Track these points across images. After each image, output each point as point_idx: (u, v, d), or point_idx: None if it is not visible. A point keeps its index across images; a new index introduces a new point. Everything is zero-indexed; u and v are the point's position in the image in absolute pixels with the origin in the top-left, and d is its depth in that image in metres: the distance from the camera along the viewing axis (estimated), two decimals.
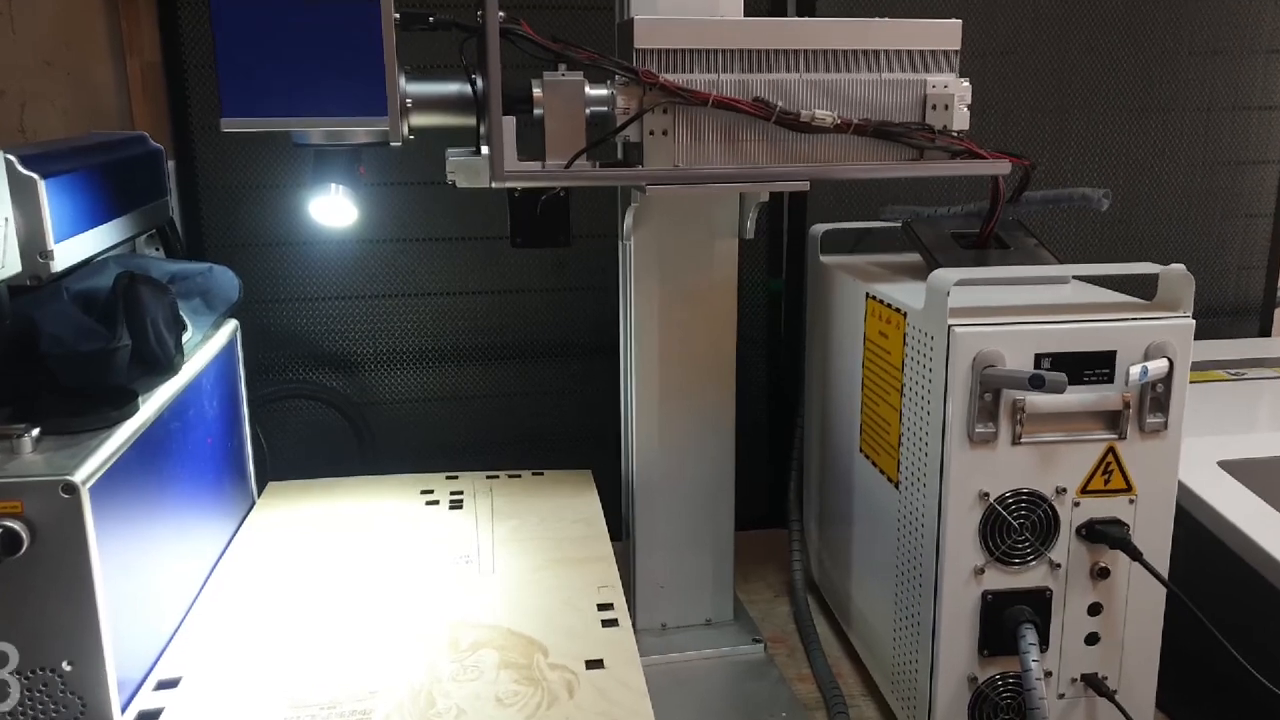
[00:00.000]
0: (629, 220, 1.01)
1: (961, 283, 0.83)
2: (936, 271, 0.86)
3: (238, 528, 1.05)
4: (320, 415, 1.32)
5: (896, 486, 0.95)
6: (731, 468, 1.13)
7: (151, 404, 0.82)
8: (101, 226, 0.91)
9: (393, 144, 0.84)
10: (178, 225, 1.21)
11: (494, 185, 0.86)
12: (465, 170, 0.88)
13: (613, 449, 1.24)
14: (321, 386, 1.31)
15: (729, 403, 1.11)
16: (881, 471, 0.99)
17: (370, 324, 1.31)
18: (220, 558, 0.97)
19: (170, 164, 1.19)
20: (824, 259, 1.16)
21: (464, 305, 1.32)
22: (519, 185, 0.91)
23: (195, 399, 0.93)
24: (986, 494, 0.85)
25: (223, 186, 1.26)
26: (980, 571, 0.86)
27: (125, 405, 0.78)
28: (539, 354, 1.35)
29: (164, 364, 0.86)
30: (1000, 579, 0.87)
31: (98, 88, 1.24)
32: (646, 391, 1.09)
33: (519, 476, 1.21)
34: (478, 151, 0.89)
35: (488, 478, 1.20)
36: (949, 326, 0.83)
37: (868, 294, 1.01)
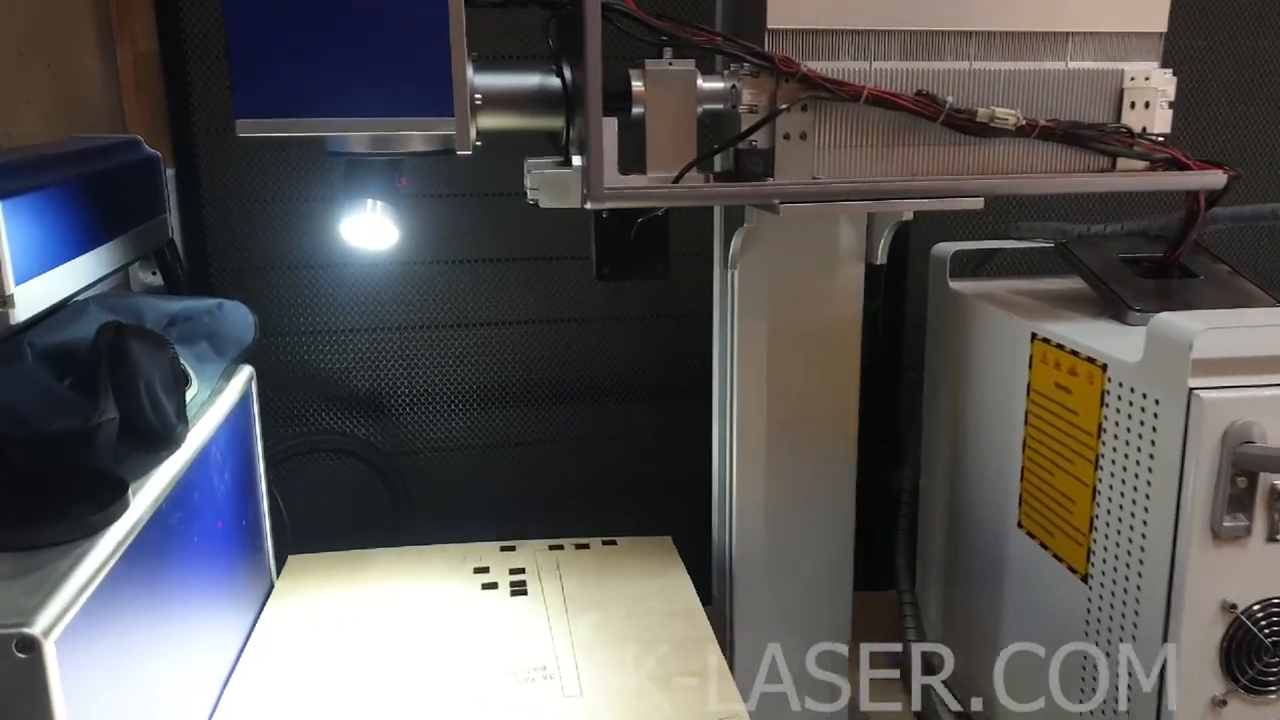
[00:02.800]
0: (737, 244, 0.81)
1: (1212, 330, 0.64)
2: (1166, 316, 0.66)
3: (255, 620, 0.85)
4: (345, 468, 1.13)
5: (1085, 580, 0.76)
6: (850, 541, 0.94)
7: (146, 494, 0.62)
8: (80, 259, 0.72)
9: (460, 153, 0.65)
10: (178, 246, 1.02)
11: (589, 207, 0.66)
12: (552, 187, 0.68)
13: (693, 507, 1.04)
14: (348, 437, 1.12)
15: (849, 463, 0.91)
16: (1057, 557, 0.80)
17: (404, 360, 1.11)
18: (234, 667, 0.78)
19: (169, 173, 0.99)
20: (955, 285, 0.97)
21: (512, 337, 1.12)
22: (619, 206, 0.71)
23: (203, 476, 0.73)
24: (1233, 605, 0.66)
25: (231, 199, 1.06)
26: (1220, 703, 0.67)
27: (110, 503, 0.59)
28: (600, 394, 1.15)
29: (162, 437, 0.67)
30: (1246, 713, 0.67)
31: (82, 82, 1.04)
32: (750, 448, 0.89)
33: (587, 547, 1.01)
34: (566, 162, 0.69)
35: (550, 548, 1.00)
36: (1190, 390, 0.63)
37: (1035, 335, 0.81)
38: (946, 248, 0.99)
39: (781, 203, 0.69)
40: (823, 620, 0.95)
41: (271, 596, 0.90)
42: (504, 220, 1.08)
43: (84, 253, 0.72)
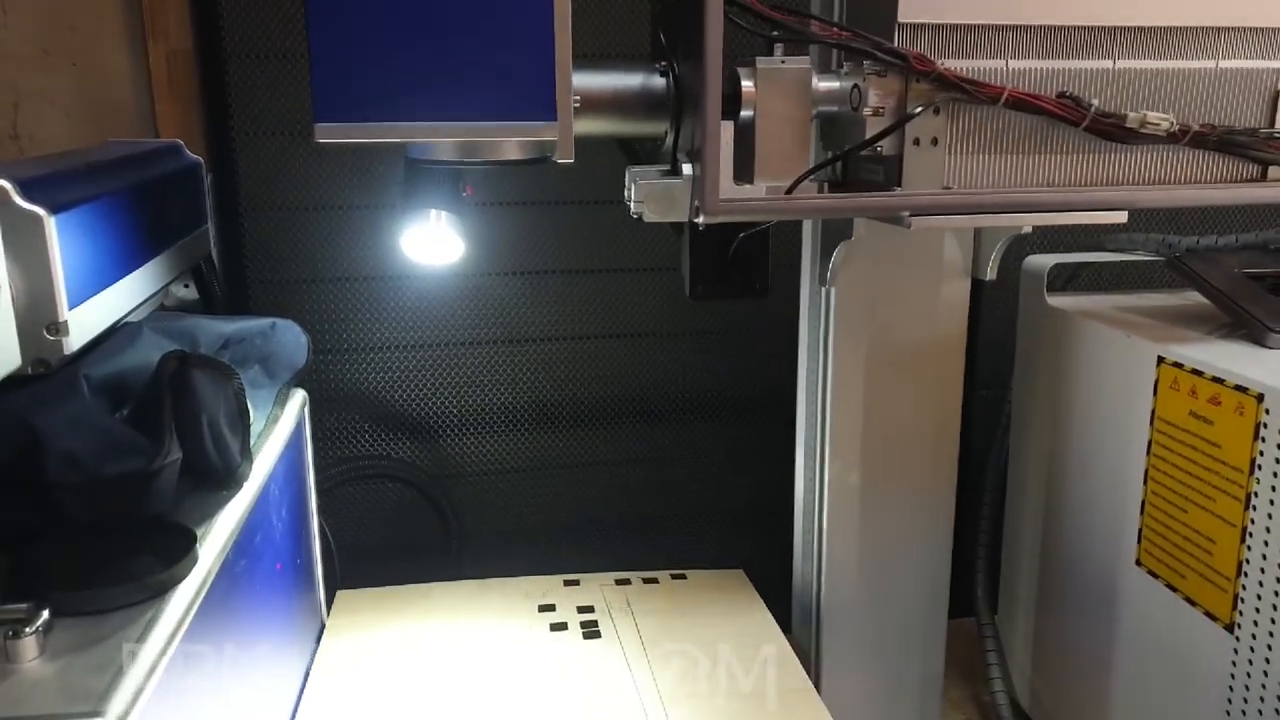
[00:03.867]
0: (839, 258, 0.75)
1: None
2: None
3: (310, 664, 0.78)
4: (392, 493, 1.06)
5: (1231, 631, 0.69)
6: (946, 582, 0.87)
7: (213, 542, 0.56)
8: (129, 277, 0.65)
9: (560, 161, 0.58)
10: (214, 259, 0.94)
11: (702, 221, 0.60)
12: (659, 200, 0.62)
13: (758, 535, 0.98)
14: (396, 461, 1.05)
15: (949, 494, 0.85)
16: (1192, 602, 0.73)
17: (455, 378, 1.04)
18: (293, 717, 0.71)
19: (207, 179, 0.93)
20: (1053, 301, 0.90)
21: (572, 353, 1.06)
22: (732, 219, 0.64)
23: (264, 517, 0.66)
24: None
25: (270, 208, 0.99)
26: None
27: (179, 556, 0.52)
28: (662, 414, 1.08)
29: (225, 477, 0.60)
30: None
31: (110, 82, 0.97)
32: (843, 476, 0.83)
33: (656, 581, 0.94)
34: (673, 172, 0.62)
35: (617, 583, 0.94)
36: None
37: (1162, 358, 0.75)
38: (1042, 260, 0.92)
39: (912, 215, 0.62)
40: (915, 657, 0.88)
41: (324, 636, 0.84)
42: (564, 229, 1.02)
43: (133, 270, 0.65)
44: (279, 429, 0.73)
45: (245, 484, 0.62)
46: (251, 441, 0.67)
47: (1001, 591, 1.03)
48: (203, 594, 0.52)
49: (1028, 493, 0.96)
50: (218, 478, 0.59)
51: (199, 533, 0.55)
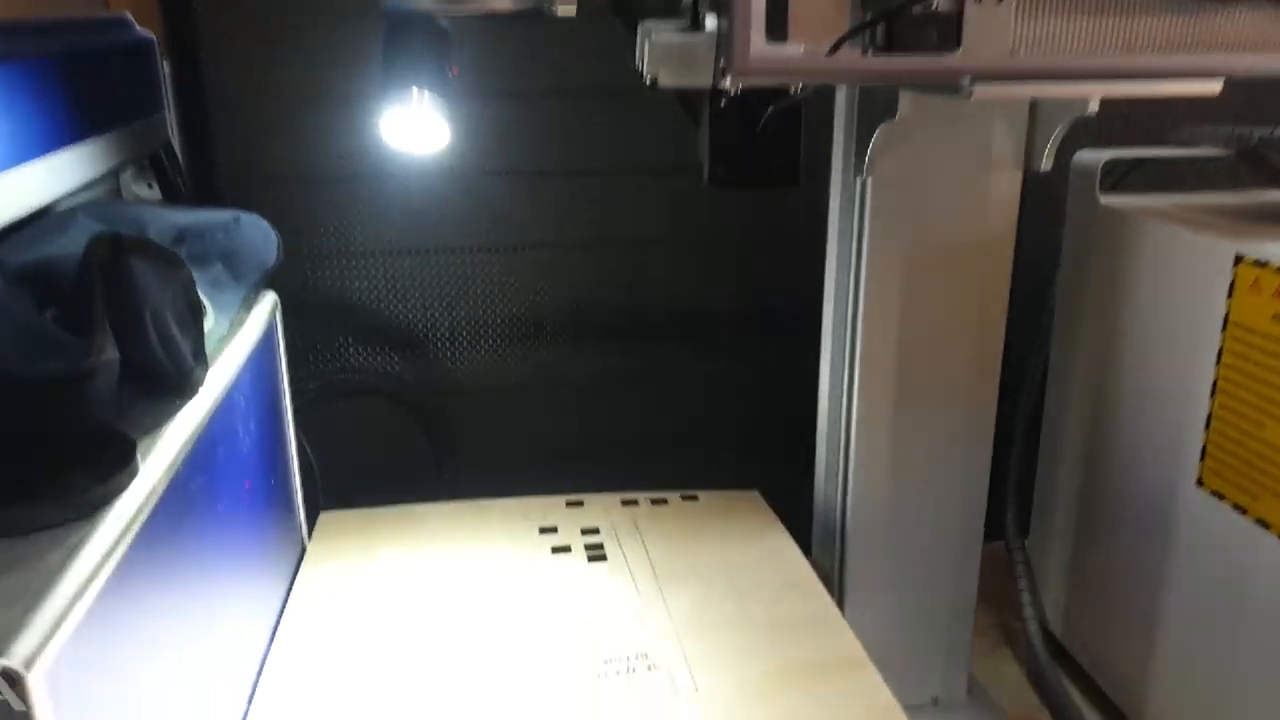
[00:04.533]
0: (879, 143, 0.66)
1: None
2: None
3: (288, 590, 0.72)
4: (380, 411, 0.98)
5: None
6: (983, 504, 0.80)
7: (160, 455, 0.48)
8: (61, 154, 0.56)
9: (561, 10, 0.48)
10: (177, 152, 0.85)
11: (729, 85, 0.51)
12: (677, 60, 0.52)
13: (772, 456, 0.91)
14: (384, 375, 0.97)
15: (990, 408, 0.77)
16: (1264, 525, 0.66)
17: (447, 287, 0.96)
18: (270, 646, 0.64)
19: (165, 65, 0.83)
20: (1107, 201, 0.82)
21: (575, 261, 0.97)
22: (765, 82, 0.55)
23: (227, 429, 0.59)
24: None
25: (240, 99, 0.89)
26: None
27: (114, 470, 0.45)
28: (672, 329, 1.00)
29: (176, 382, 0.52)
30: None
31: None
32: (874, 389, 0.75)
33: (665, 503, 0.87)
34: (695, 25, 0.53)
35: (623, 504, 0.87)
36: None
37: (1241, 257, 0.66)
38: (1094, 156, 0.83)
39: (974, 82, 0.53)
40: (946, 584, 0.82)
41: (305, 560, 0.77)
42: (564, 125, 0.92)
43: (66, 146, 0.56)
44: (245, 333, 0.65)
45: (201, 391, 0.54)
46: (212, 346, 0.59)
47: (1035, 513, 0.97)
48: (145, 514, 0.44)
49: (1070, 407, 0.88)
50: (169, 384, 0.51)
51: (143, 446, 0.48)
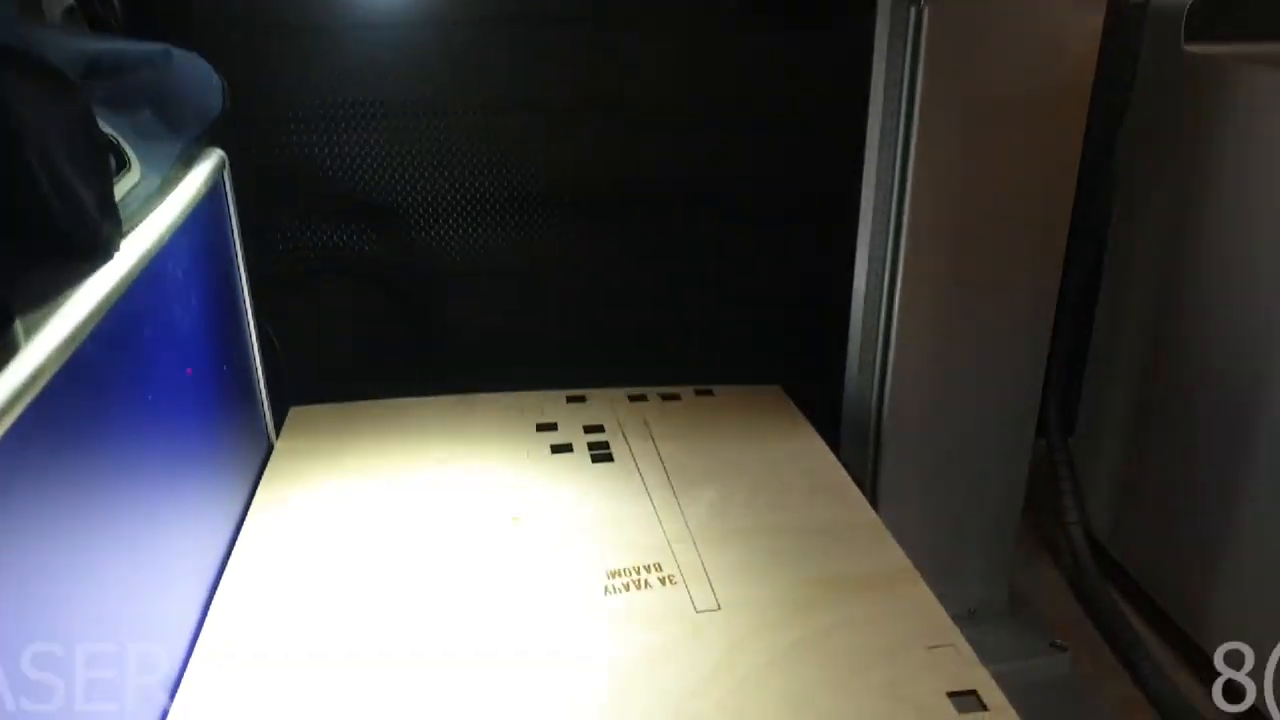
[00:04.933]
0: None
1: None
2: None
3: (251, 492, 0.63)
4: (353, 296, 0.88)
5: None
6: (1038, 396, 0.71)
7: (56, 328, 0.38)
8: None
9: None
10: None
11: None
12: None
13: (802, 354, 0.82)
14: (358, 255, 0.86)
15: (1051, 291, 0.67)
16: None
17: (426, 154, 0.84)
18: (228, 554, 0.56)
19: None
20: (1192, 47, 0.70)
21: (574, 125, 0.85)
22: None
23: (154, 303, 0.49)
24: None
25: None
26: None
27: None
28: (681, 206, 0.89)
29: (78, 241, 0.42)
30: None
31: None
32: (921, 269, 0.65)
33: (677, 398, 0.78)
34: None
35: (630, 399, 0.78)
36: None
37: None
38: None
39: None
40: (991, 488, 0.74)
41: (272, 459, 0.68)
42: None
43: None
44: (181, 193, 0.55)
45: (117, 255, 0.44)
46: (135, 205, 0.49)
47: (1083, 408, 0.88)
48: (31, 395, 0.35)
49: (1134, 285, 0.78)
50: (66, 242, 0.41)
51: (33, 315, 0.38)
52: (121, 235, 0.45)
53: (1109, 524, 0.86)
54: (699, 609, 0.52)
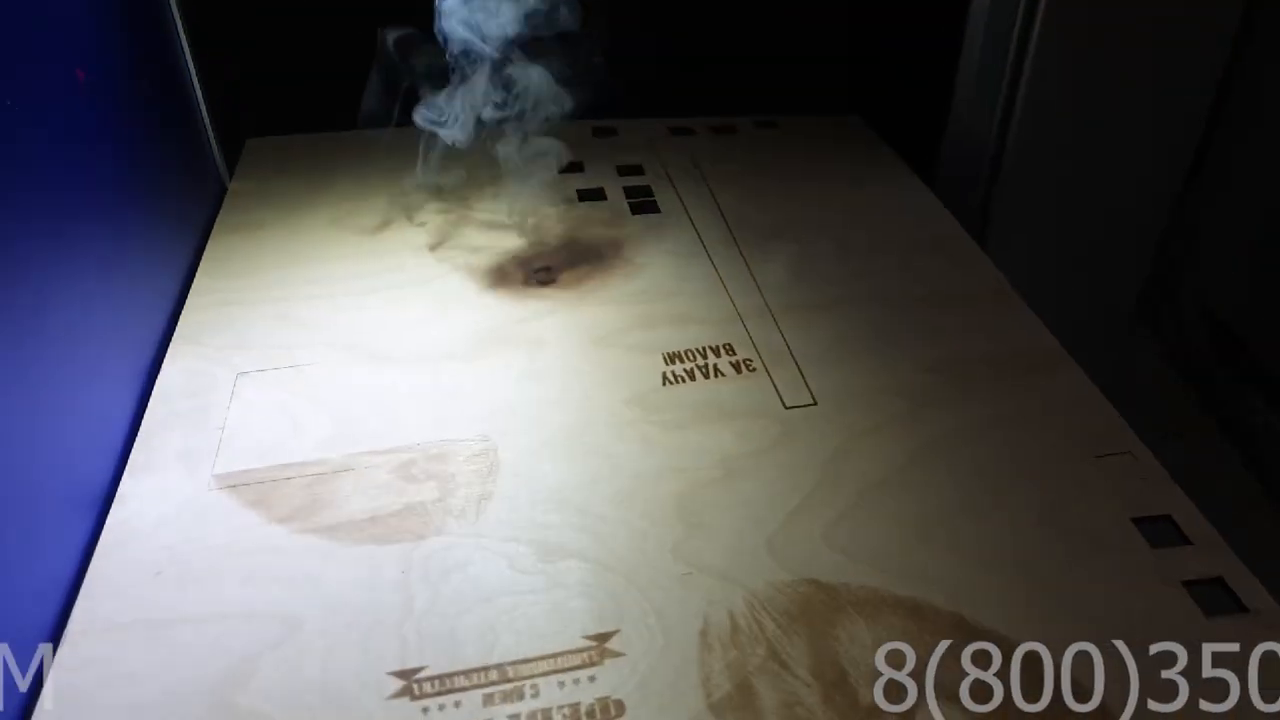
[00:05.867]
0: None
1: None
2: None
3: (199, 245, 0.49)
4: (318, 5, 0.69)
5: None
6: (1196, 136, 0.56)
7: None
8: None
9: None
10: None
11: None
12: None
13: (882, 82, 0.65)
14: None
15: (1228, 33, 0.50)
16: None
17: None
18: (178, 312, 0.43)
19: None
20: None
21: None
22: None
23: None
24: None
25: None
26: None
27: None
28: None
29: None
30: None
31: None
32: None
33: (732, 130, 0.62)
34: None
35: (673, 132, 0.62)
36: None
37: None
38: None
39: None
40: (1118, 249, 0.60)
41: (227, 199, 0.54)
42: None
43: None
44: None
45: None
46: None
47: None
48: None
49: None
50: None
51: None
52: None
53: (1232, 301, 0.72)
54: (788, 404, 0.39)
